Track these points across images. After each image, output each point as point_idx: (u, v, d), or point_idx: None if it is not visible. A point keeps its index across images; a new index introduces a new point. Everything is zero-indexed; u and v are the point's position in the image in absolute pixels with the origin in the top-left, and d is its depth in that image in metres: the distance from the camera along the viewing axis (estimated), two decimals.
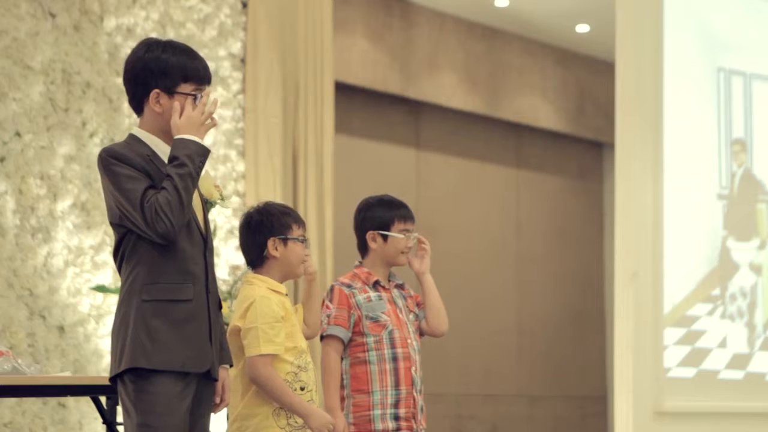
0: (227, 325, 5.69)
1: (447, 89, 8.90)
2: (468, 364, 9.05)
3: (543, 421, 9.60)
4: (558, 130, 9.78)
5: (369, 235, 3.97)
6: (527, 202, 9.69)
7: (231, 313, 5.81)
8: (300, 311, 3.77)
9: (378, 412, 3.84)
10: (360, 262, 4.01)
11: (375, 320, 3.88)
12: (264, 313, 3.51)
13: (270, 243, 3.61)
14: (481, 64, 9.14)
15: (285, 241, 3.62)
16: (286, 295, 3.66)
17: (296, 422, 3.51)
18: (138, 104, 3.17)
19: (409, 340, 3.91)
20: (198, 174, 3.06)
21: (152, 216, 2.97)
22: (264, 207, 3.70)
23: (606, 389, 9.84)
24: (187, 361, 3.05)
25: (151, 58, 3.12)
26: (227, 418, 3.60)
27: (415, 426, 3.87)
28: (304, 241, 3.66)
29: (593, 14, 8.89)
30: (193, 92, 3.13)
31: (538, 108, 9.59)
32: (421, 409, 3.95)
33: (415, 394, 3.90)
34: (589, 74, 9.90)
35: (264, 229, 3.62)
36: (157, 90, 3.11)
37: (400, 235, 3.95)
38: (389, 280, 4.00)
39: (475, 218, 9.28)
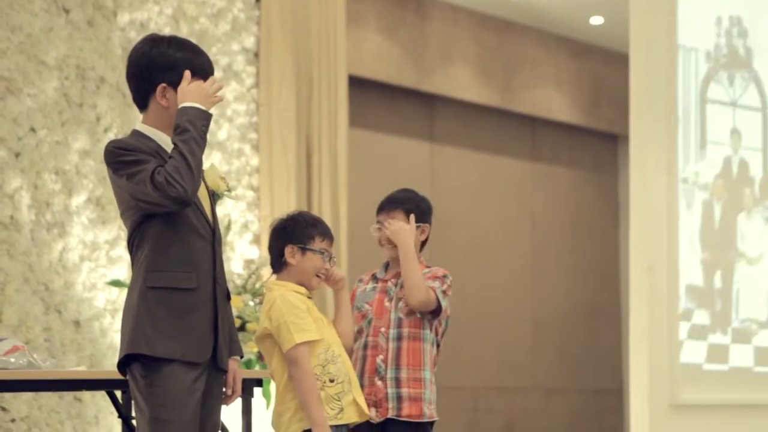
0: (240, 318, 5.74)
1: (461, 82, 8.89)
2: (483, 357, 9.05)
3: (558, 415, 9.58)
4: (572, 123, 9.76)
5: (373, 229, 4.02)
6: (542, 194, 9.67)
7: (246, 307, 5.84)
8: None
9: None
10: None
11: (359, 310, 3.93)
12: (287, 307, 3.53)
13: (288, 249, 3.63)
14: (495, 57, 9.12)
15: (303, 250, 3.63)
16: (309, 297, 3.67)
17: (327, 414, 3.52)
18: (143, 99, 3.18)
19: (383, 329, 3.88)
20: (203, 138, 3.08)
21: (163, 184, 2.98)
22: (293, 215, 3.73)
23: (621, 382, 9.82)
24: (188, 351, 3.07)
25: (157, 54, 3.14)
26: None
27: (374, 413, 3.82)
28: (324, 254, 3.66)
29: (607, 6, 8.86)
30: None
31: (552, 100, 9.57)
32: (393, 396, 3.82)
33: (378, 382, 3.84)
34: (604, 66, 9.87)
35: (284, 235, 3.65)
36: (163, 84, 3.13)
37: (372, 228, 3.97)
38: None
39: (489, 211, 9.27)
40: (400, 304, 3.92)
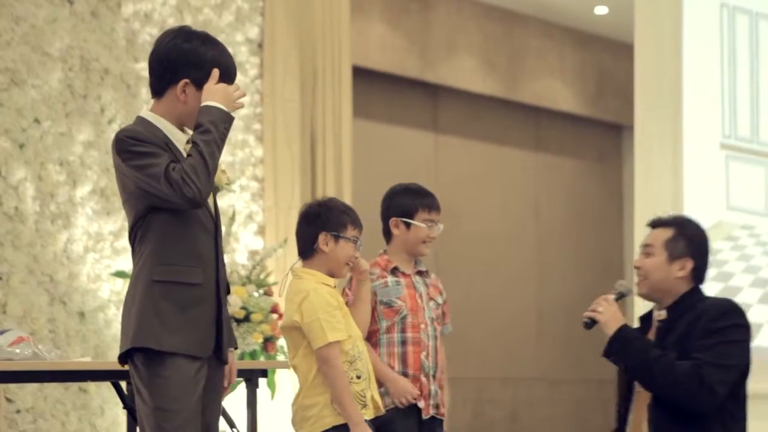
0: (245, 309, 5.74)
1: (465, 73, 8.88)
2: (488, 347, 9.05)
3: (563, 405, 9.59)
4: (577, 113, 9.75)
5: (392, 221, 3.97)
6: (546, 185, 9.66)
7: (250, 298, 5.84)
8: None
9: (381, 390, 3.85)
10: (384, 251, 4.02)
11: (389, 305, 3.91)
12: (321, 304, 3.51)
13: (321, 237, 3.60)
14: (500, 47, 9.11)
15: (337, 238, 3.60)
16: (334, 287, 3.66)
17: None
18: (161, 88, 3.16)
19: (423, 326, 3.91)
20: (223, 140, 3.07)
21: (179, 182, 2.97)
22: (325, 201, 3.70)
23: None
24: (192, 345, 3.07)
25: (189, 49, 3.13)
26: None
27: (423, 405, 3.88)
28: (356, 242, 3.65)
29: None
30: None
31: (556, 91, 9.55)
32: (434, 394, 3.93)
33: (422, 378, 3.90)
34: (608, 56, 9.86)
35: (319, 222, 3.61)
36: (187, 80, 3.12)
37: (423, 225, 3.94)
38: (415, 265, 4.01)
39: (494, 202, 9.27)
40: (431, 304, 3.95)
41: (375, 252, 4.08)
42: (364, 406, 3.55)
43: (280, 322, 3.72)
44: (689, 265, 3.63)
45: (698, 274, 3.66)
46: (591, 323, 3.70)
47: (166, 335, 3.02)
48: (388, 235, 4.01)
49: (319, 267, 3.62)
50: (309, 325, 3.49)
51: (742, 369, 3.57)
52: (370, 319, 3.80)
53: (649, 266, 3.66)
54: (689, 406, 3.49)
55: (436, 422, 3.94)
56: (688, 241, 3.64)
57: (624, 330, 3.62)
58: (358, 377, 3.54)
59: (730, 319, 3.54)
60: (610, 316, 3.65)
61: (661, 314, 3.67)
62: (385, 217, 4.01)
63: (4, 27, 5.76)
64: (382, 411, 3.68)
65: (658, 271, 3.64)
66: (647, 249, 3.68)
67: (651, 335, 3.70)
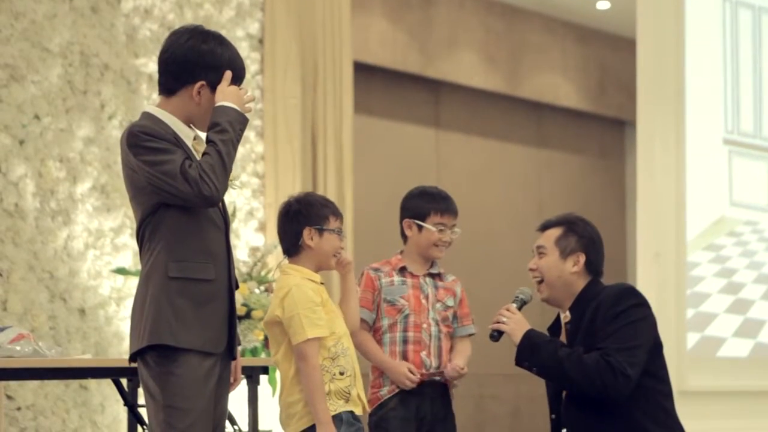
0: (246, 306, 5.73)
1: (467, 68, 8.86)
2: (490, 343, 9.01)
3: None
4: (579, 109, 9.73)
5: (405, 223, 4.04)
6: (549, 181, 9.64)
7: (251, 294, 5.83)
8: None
9: (386, 387, 3.92)
10: (401, 251, 4.07)
11: (392, 304, 3.95)
12: (302, 300, 3.49)
13: (306, 232, 3.59)
14: (501, 43, 9.08)
15: (321, 231, 3.60)
16: (322, 283, 3.64)
17: (333, 405, 3.50)
18: (174, 87, 3.15)
19: (425, 326, 3.94)
20: (238, 140, 3.08)
21: (197, 180, 2.96)
22: (304, 197, 3.70)
23: None
24: (207, 341, 3.06)
25: (207, 51, 3.14)
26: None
27: None
28: (340, 233, 3.65)
29: None
30: None
31: (558, 86, 9.53)
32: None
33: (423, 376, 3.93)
34: (610, 52, 9.83)
35: (301, 218, 3.60)
36: (203, 82, 3.12)
37: (433, 228, 3.97)
38: (430, 267, 4.04)
39: (496, 198, 9.25)
40: (438, 305, 3.97)
41: (380, 247, 4.09)
42: (348, 401, 3.54)
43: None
44: (582, 259, 3.72)
45: (593, 267, 3.74)
46: (498, 335, 3.80)
47: (183, 332, 3.02)
48: (404, 235, 4.06)
49: (306, 263, 3.61)
50: (289, 321, 3.48)
51: (649, 346, 3.59)
52: (358, 312, 3.81)
53: (543, 266, 3.78)
54: (606, 396, 3.52)
55: (438, 387, 3.99)
56: (578, 236, 3.75)
57: (530, 335, 3.73)
58: (341, 373, 3.52)
59: (628, 301, 3.60)
60: (515, 325, 3.75)
61: (566, 316, 3.73)
62: (401, 218, 4.07)
63: (4, 23, 5.74)
64: (368, 410, 3.68)
65: (552, 270, 3.75)
66: (540, 250, 3.80)
67: (563, 339, 3.76)
